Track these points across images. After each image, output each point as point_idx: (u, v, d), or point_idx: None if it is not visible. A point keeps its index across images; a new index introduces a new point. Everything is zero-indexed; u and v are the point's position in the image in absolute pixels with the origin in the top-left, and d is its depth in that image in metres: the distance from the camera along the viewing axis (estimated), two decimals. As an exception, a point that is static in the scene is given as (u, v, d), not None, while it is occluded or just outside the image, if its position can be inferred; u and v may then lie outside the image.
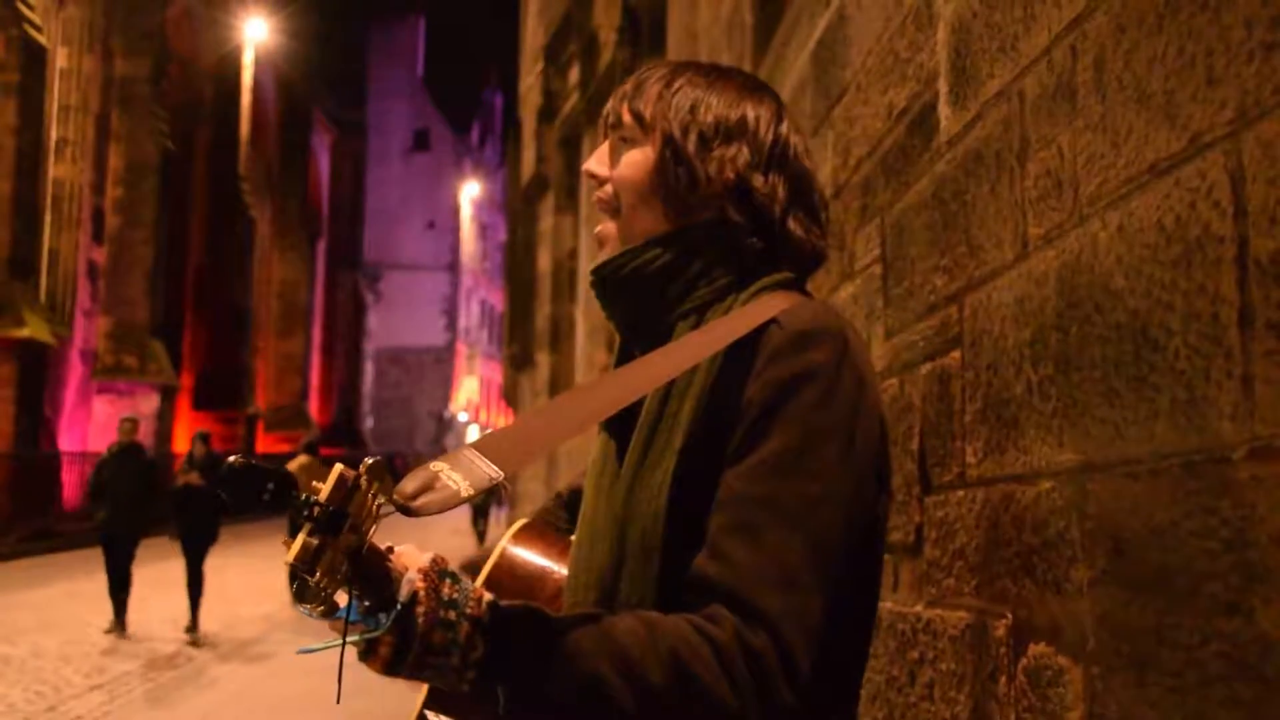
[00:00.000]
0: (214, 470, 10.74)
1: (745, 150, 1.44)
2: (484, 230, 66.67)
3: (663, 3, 8.65)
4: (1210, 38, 1.40)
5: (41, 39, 22.64)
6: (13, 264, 21.47)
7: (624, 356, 1.52)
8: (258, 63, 35.02)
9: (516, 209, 22.98)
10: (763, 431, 1.28)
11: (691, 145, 1.43)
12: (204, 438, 11.79)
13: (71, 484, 23.44)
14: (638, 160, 1.47)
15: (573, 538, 1.55)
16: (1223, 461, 1.36)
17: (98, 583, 11.46)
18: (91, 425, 26.26)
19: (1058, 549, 1.79)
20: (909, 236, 2.60)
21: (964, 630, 2.20)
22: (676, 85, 1.47)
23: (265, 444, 35.62)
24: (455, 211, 63.22)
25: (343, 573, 1.11)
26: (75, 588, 14.12)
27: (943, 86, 2.39)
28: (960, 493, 2.24)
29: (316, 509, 1.08)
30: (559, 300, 17.12)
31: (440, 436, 58.34)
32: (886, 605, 2.70)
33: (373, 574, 1.16)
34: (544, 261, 18.42)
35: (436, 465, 1.19)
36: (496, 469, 1.19)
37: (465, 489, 1.16)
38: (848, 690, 1.41)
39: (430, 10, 67.37)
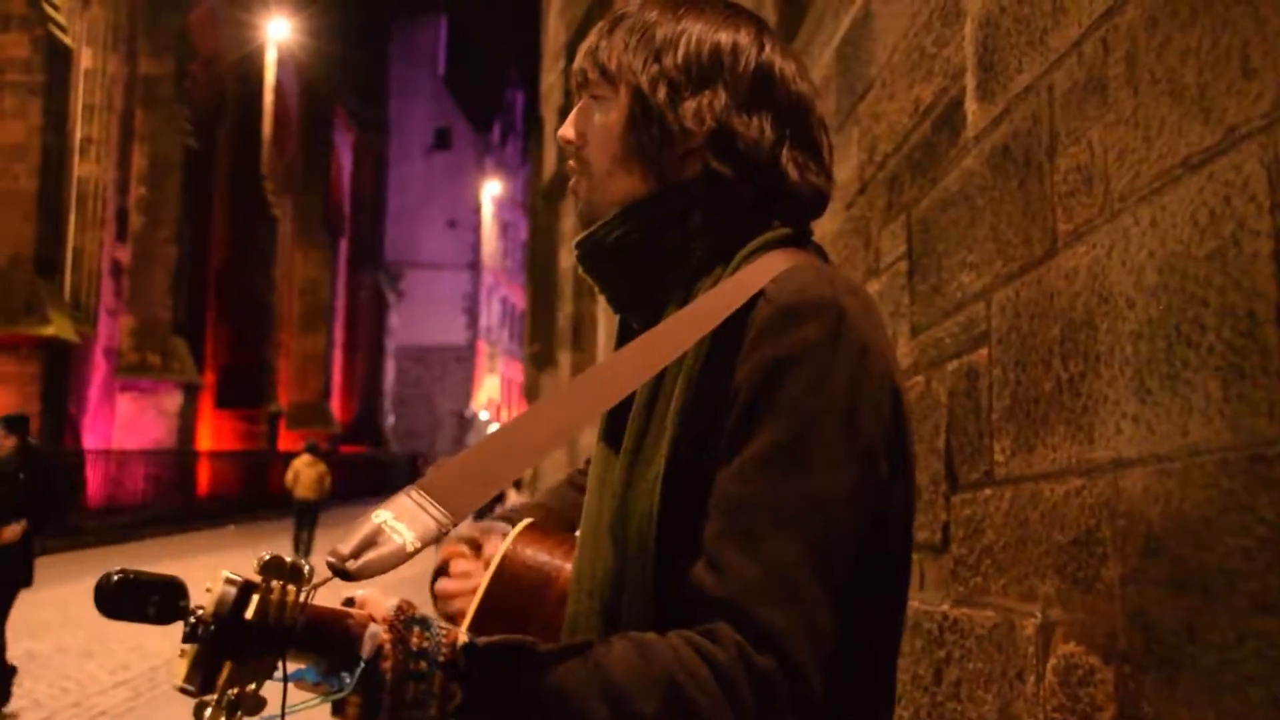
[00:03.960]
0: (29, 470, 7.99)
1: (722, 92, 1.30)
2: (505, 229, 66.72)
3: (685, 0, 8.64)
4: (1246, 29, 1.38)
5: (66, 39, 22.77)
6: (38, 262, 21.59)
7: (624, 332, 1.42)
8: (280, 62, 35.19)
9: (538, 207, 22.99)
10: (752, 424, 1.16)
11: (661, 96, 1.30)
12: (12, 423, 8.18)
13: (95, 481, 23.59)
14: (605, 122, 1.35)
15: (577, 534, 1.44)
16: (1259, 459, 1.34)
17: (122, 579, 11.50)
18: (115, 423, 26.43)
19: (1088, 547, 1.78)
20: (935, 233, 2.59)
21: (992, 629, 2.18)
22: (640, 29, 1.34)
23: (287, 441, 35.73)
24: (476, 210, 63.29)
25: (264, 668, 1.00)
26: (99, 584, 14.17)
27: (970, 81, 2.37)
28: (988, 491, 2.23)
29: (199, 627, 0.97)
30: (580, 299, 17.12)
31: (462, 435, 58.42)
32: (913, 604, 2.69)
33: (323, 639, 1.05)
34: (566, 260, 18.42)
35: (379, 515, 1.06)
36: (445, 515, 1.06)
37: (411, 542, 1.03)
38: (876, 697, 1.31)
39: (451, 9, 67.38)
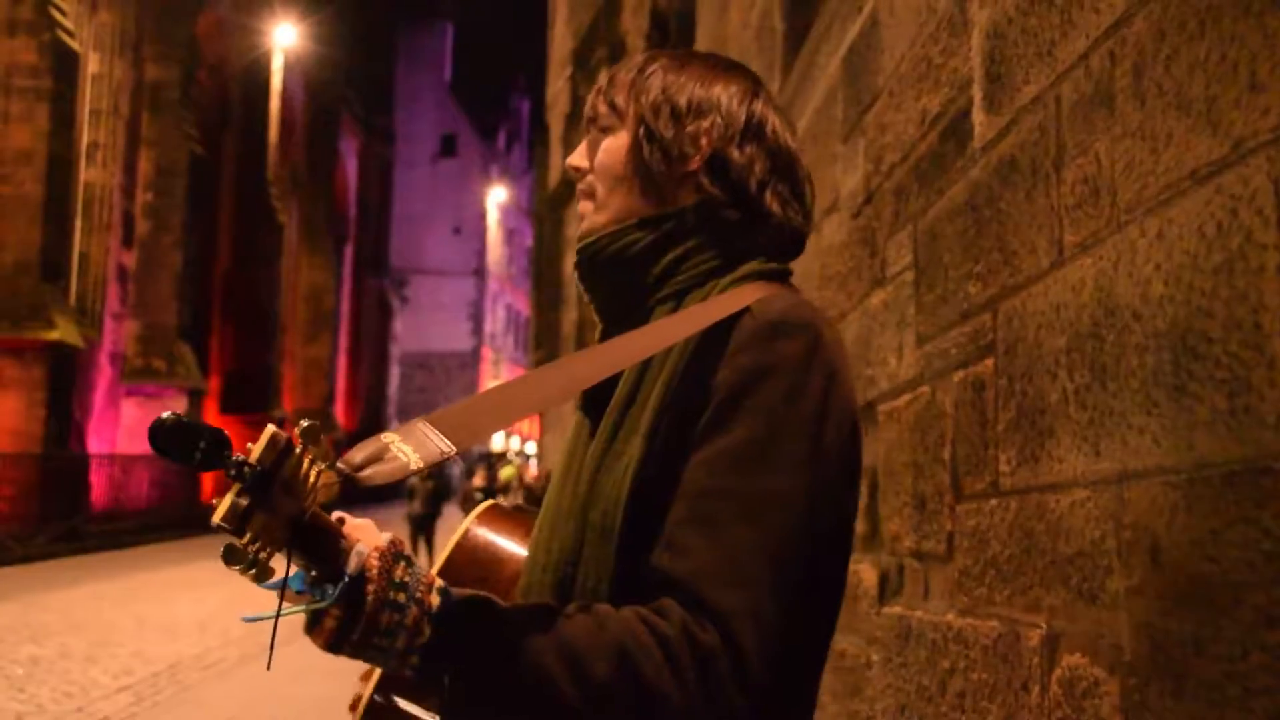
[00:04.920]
0: None
1: (720, 121, 1.43)
2: (510, 235, 66.77)
3: (691, 8, 8.65)
4: (1254, 43, 1.39)
5: (74, 44, 22.81)
6: (44, 267, 21.61)
7: (605, 340, 1.50)
8: (286, 68, 35.22)
9: (543, 214, 23.03)
10: (727, 421, 1.26)
11: (664, 123, 1.43)
12: None
13: (100, 486, 23.61)
14: (614, 145, 1.47)
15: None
16: (1265, 472, 1.34)
17: (125, 584, 11.51)
18: (120, 428, 26.45)
19: (1093, 559, 1.78)
20: (942, 243, 2.59)
21: (996, 640, 2.18)
22: (648, 72, 1.48)
23: (291, 447, 35.74)
24: (482, 217, 63.32)
25: (278, 539, 1.09)
26: (103, 589, 14.22)
27: (977, 93, 2.38)
28: (993, 501, 2.23)
29: (245, 468, 1.07)
30: (584, 305, 17.13)
31: (466, 441, 58.33)
32: (917, 614, 2.69)
33: (319, 544, 1.15)
34: (570, 266, 18.43)
35: (388, 437, 1.18)
36: (448, 443, 1.17)
37: (415, 461, 1.14)
38: (803, 695, 1.38)
39: (458, 16, 67.54)
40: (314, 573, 1.15)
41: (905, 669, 2.76)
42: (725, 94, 1.45)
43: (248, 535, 1.07)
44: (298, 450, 1.10)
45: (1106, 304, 1.75)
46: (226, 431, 1.10)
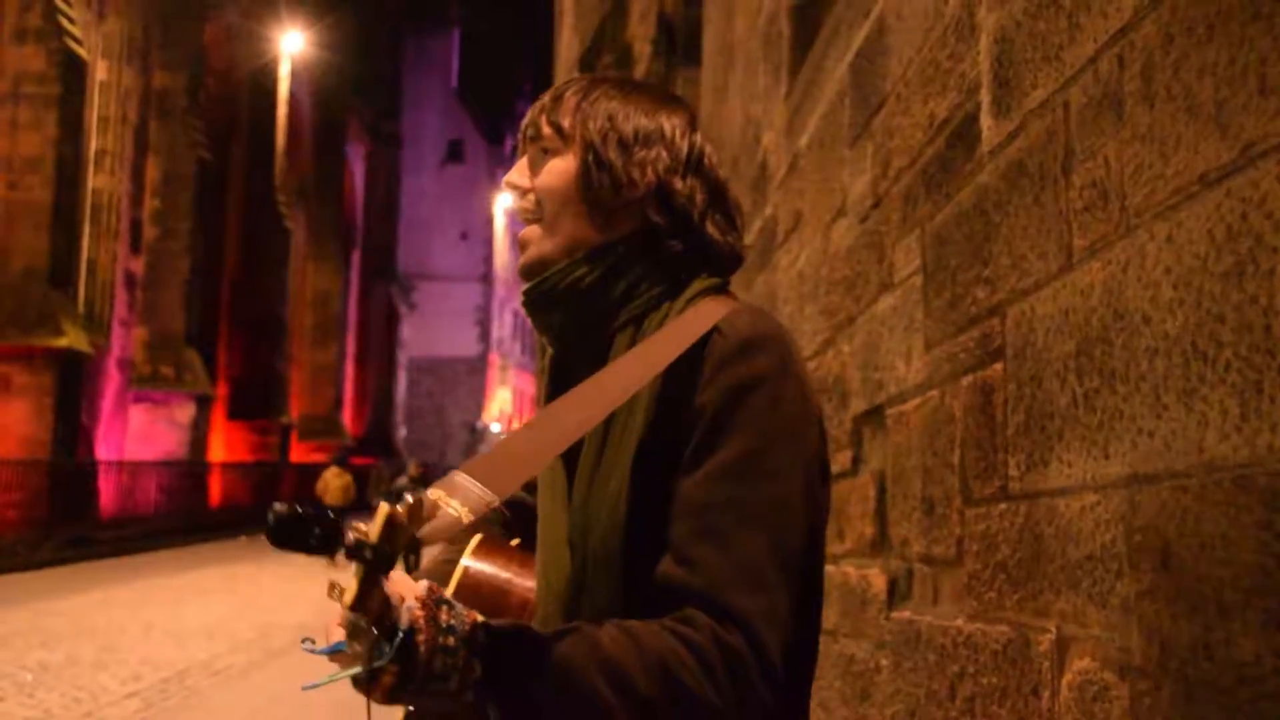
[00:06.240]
0: None
1: (664, 154, 1.48)
2: (517, 241, 66.81)
3: (698, 14, 8.65)
4: (1263, 46, 1.39)
5: (82, 52, 22.86)
6: (52, 274, 21.65)
7: (558, 367, 1.56)
8: (294, 75, 35.30)
9: (550, 220, 23.00)
10: (717, 438, 1.33)
11: (612, 151, 1.47)
12: None
13: (108, 492, 23.65)
14: (560, 168, 1.51)
15: (517, 542, 1.60)
16: (1276, 475, 1.34)
17: (134, 590, 11.52)
18: (128, 434, 26.49)
19: (1103, 562, 1.78)
20: (950, 247, 2.59)
21: (1006, 644, 2.18)
22: (593, 97, 1.52)
23: (299, 453, 35.80)
24: (489, 222, 63.40)
25: (374, 608, 1.13)
26: (111, 595, 14.25)
27: (985, 97, 2.38)
28: (1002, 505, 2.22)
29: (369, 552, 1.10)
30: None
31: (473, 447, 58.41)
32: (927, 619, 2.68)
33: (379, 603, 1.17)
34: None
35: (434, 493, 1.21)
36: (491, 493, 1.22)
37: (465, 515, 1.19)
38: (804, 685, 1.46)
39: (465, 21, 67.55)
40: (372, 631, 1.18)
41: (915, 673, 2.76)
42: (669, 125, 1.50)
43: (370, 610, 1.12)
44: (406, 526, 1.13)
45: (1116, 308, 1.75)
46: (339, 517, 1.14)
